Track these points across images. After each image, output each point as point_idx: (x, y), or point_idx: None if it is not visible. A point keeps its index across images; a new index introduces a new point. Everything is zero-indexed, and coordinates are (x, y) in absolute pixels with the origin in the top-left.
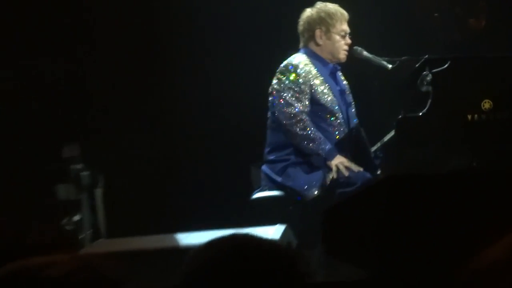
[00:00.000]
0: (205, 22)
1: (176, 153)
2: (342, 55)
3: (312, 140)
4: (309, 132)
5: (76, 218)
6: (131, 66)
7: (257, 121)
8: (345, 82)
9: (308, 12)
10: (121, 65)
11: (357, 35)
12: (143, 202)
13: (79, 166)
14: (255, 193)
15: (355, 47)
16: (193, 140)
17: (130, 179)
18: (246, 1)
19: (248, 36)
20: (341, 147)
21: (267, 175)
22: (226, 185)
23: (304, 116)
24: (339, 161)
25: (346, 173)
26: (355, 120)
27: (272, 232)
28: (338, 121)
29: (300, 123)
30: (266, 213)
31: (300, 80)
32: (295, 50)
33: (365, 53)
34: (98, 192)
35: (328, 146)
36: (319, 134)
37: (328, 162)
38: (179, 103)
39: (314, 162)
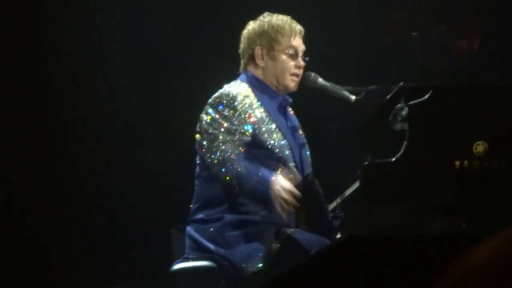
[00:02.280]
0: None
1: (70, 214)
2: (290, 82)
3: (244, 176)
4: (240, 170)
5: None
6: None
7: (179, 170)
8: (295, 119)
9: (249, 25)
10: None
11: (311, 57)
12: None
13: None
14: (177, 264)
15: (308, 73)
16: (91, 197)
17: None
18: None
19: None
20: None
21: (194, 240)
22: (137, 254)
23: (235, 159)
24: (275, 187)
25: (283, 211)
26: (309, 169)
27: None
28: (288, 169)
29: (227, 165)
30: None
31: (237, 118)
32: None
33: (320, 80)
34: None
35: (261, 173)
36: (252, 170)
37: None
38: (69, 145)
39: (257, 222)
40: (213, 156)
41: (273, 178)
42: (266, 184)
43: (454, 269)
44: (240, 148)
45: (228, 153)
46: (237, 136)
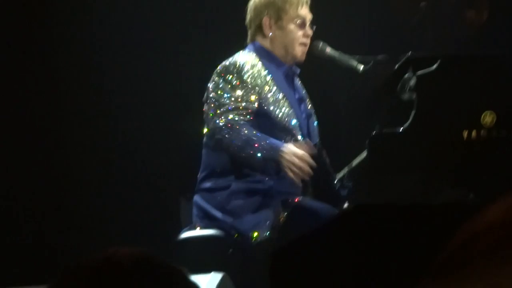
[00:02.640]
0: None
1: (70, 181)
2: (299, 51)
3: (248, 143)
4: (242, 135)
5: None
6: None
7: (187, 139)
8: (303, 90)
9: None
10: None
11: (318, 25)
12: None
13: None
14: (184, 232)
15: (315, 42)
16: (97, 164)
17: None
18: None
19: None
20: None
21: (201, 209)
22: (145, 222)
23: (242, 127)
24: (287, 154)
25: (298, 178)
26: (317, 139)
27: (206, 281)
28: (296, 139)
29: (235, 134)
30: (198, 257)
31: (244, 87)
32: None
33: (329, 49)
34: None
35: (269, 140)
36: (252, 132)
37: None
38: (77, 119)
39: (264, 191)
40: (220, 124)
41: (285, 144)
42: (276, 151)
43: (463, 230)
44: (247, 117)
45: (235, 121)
46: (244, 105)
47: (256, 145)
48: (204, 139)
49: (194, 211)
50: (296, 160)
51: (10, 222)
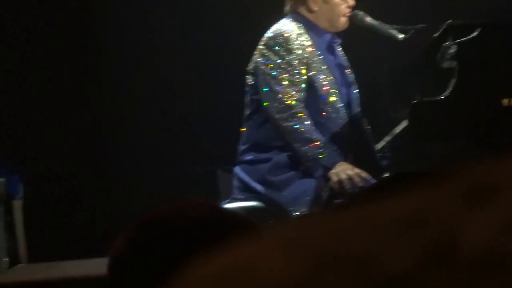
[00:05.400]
0: None
1: (116, 155)
2: (343, 23)
3: (308, 141)
4: (306, 130)
5: None
6: (53, 62)
7: (225, 109)
8: (344, 57)
9: None
10: (40, 60)
11: None
12: (73, 217)
13: None
14: (224, 204)
15: (355, 11)
16: (138, 139)
17: (57, 188)
18: None
19: None
20: (338, 144)
21: (242, 181)
22: (184, 195)
23: (301, 108)
24: (342, 169)
25: (349, 186)
26: (357, 108)
27: None
28: (336, 109)
29: (295, 118)
30: None
31: (294, 57)
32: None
33: (368, 19)
34: (17, 205)
35: (328, 151)
36: (316, 134)
37: (329, 171)
38: (118, 92)
39: (306, 166)
40: (273, 99)
41: (340, 163)
42: (333, 162)
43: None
44: (301, 93)
45: (291, 98)
46: (296, 77)
47: (315, 144)
48: (247, 111)
49: (235, 182)
50: (347, 183)
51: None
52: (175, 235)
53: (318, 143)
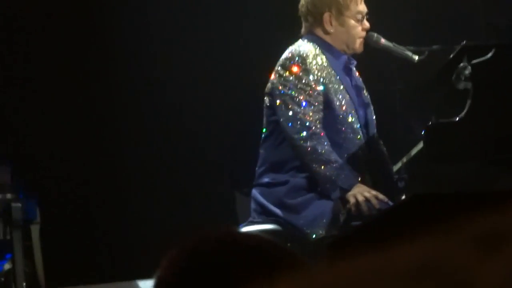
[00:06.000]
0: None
1: (133, 179)
2: (359, 45)
3: (326, 162)
4: (324, 151)
5: (6, 266)
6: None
7: (244, 132)
8: (360, 78)
9: None
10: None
11: (372, 17)
12: (91, 242)
13: (8, 195)
14: (242, 227)
15: (370, 33)
16: (157, 161)
17: (74, 213)
18: None
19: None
20: (355, 165)
21: (259, 204)
22: (202, 218)
23: (319, 129)
24: (358, 191)
25: (366, 208)
26: (374, 130)
27: None
28: (354, 129)
29: (313, 139)
30: None
31: (311, 77)
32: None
33: (383, 41)
34: (34, 229)
35: (345, 172)
36: (334, 155)
37: (346, 193)
38: (133, 111)
39: (323, 187)
40: (291, 120)
41: (357, 186)
42: (350, 184)
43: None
44: (319, 113)
45: (309, 119)
46: (314, 97)
47: (332, 165)
48: (264, 132)
49: (252, 205)
50: (364, 205)
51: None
52: (220, 268)
53: (336, 164)
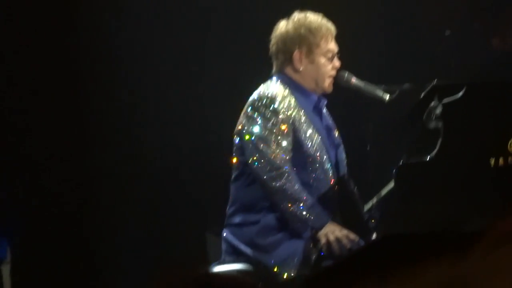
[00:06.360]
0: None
1: (105, 217)
2: (329, 84)
3: (296, 201)
4: (293, 190)
5: None
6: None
7: (214, 172)
8: (330, 119)
9: (282, 26)
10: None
11: (343, 56)
12: (63, 278)
13: None
14: (213, 267)
15: (341, 72)
16: (130, 201)
17: (45, 250)
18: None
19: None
20: (326, 205)
21: (230, 244)
22: (174, 257)
23: (288, 168)
24: (330, 230)
25: (337, 248)
26: (345, 169)
27: None
28: (324, 170)
29: (282, 178)
30: None
31: (280, 118)
32: (261, 78)
33: (354, 80)
34: (5, 269)
35: (316, 212)
36: (305, 194)
37: (317, 232)
38: (108, 148)
39: (294, 227)
40: (261, 160)
41: (328, 225)
42: (322, 222)
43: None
44: (289, 154)
45: (278, 159)
46: (282, 138)
47: (302, 204)
48: (234, 172)
49: (223, 246)
50: (335, 245)
51: None
52: None
53: (306, 202)
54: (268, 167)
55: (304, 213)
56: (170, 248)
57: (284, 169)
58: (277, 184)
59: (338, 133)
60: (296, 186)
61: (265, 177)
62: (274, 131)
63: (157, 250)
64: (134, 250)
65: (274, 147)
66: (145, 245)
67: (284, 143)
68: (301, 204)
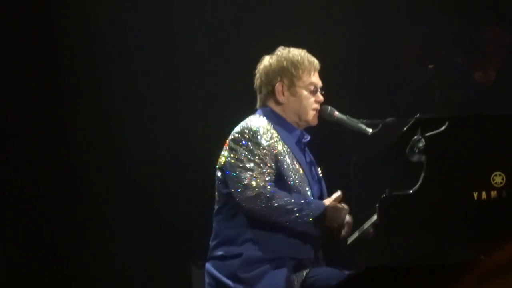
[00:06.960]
0: None
1: (91, 249)
2: (312, 117)
3: (292, 209)
4: (285, 202)
5: None
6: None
7: (197, 207)
8: (311, 155)
9: (266, 61)
10: None
11: (327, 90)
12: None
13: None
14: None
15: (324, 106)
16: (116, 234)
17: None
18: None
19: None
20: (309, 240)
21: (213, 277)
22: None
23: (273, 188)
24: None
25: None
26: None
27: None
28: None
29: (272, 199)
30: None
31: (262, 151)
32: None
33: (337, 113)
34: None
35: (311, 205)
36: (293, 198)
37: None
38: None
39: (276, 259)
40: (246, 191)
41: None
42: (320, 209)
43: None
44: (272, 182)
45: (263, 186)
46: (266, 170)
47: (296, 208)
48: (216, 206)
49: (206, 279)
50: (342, 213)
51: None
52: None
53: (297, 203)
54: (253, 195)
55: (305, 213)
56: (156, 281)
57: (270, 191)
58: (270, 206)
59: (319, 168)
60: (286, 198)
61: (256, 208)
62: (257, 161)
63: (143, 283)
64: (121, 281)
65: (259, 175)
66: (130, 277)
67: (269, 172)
68: (297, 209)
